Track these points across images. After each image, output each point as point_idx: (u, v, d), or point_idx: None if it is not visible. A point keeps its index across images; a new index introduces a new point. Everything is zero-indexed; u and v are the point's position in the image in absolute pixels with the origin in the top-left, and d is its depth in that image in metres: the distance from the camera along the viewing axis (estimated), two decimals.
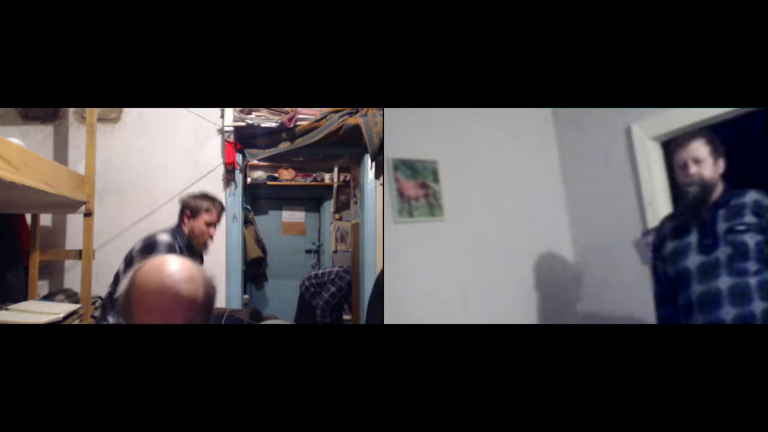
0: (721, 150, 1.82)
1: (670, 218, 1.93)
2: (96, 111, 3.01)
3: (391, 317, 1.97)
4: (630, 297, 2.45)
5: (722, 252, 1.71)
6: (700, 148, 1.79)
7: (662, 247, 1.87)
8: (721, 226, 1.73)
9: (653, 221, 2.36)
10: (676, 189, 1.90)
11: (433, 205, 2.52)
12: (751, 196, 1.74)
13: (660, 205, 2.50)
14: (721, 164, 1.82)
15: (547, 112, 2.98)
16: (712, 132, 1.88)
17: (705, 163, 1.78)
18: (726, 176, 1.83)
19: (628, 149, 2.62)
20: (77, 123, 3.24)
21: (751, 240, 1.69)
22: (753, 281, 1.67)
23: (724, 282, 1.69)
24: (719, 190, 1.81)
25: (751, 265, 1.68)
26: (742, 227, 1.70)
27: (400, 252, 2.32)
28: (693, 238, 1.78)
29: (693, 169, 1.79)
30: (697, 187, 1.78)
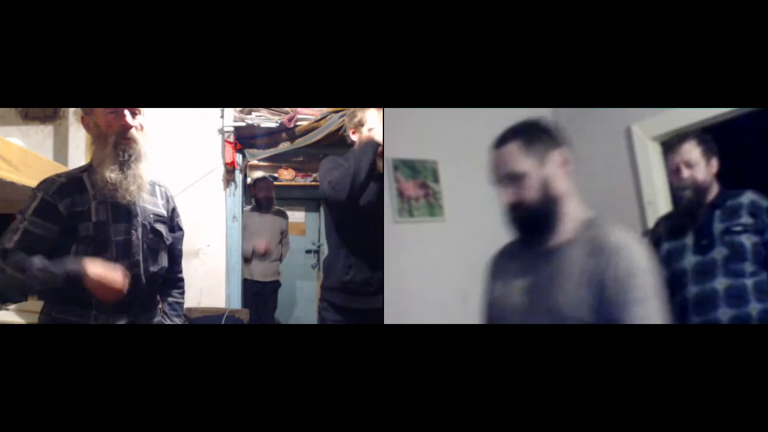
0: (714, 150, 1.80)
1: (665, 219, 1.93)
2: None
3: (391, 317, 1.97)
4: None
5: (718, 253, 1.70)
6: (691, 151, 1.77)
7: (658, 248, 1.86)
8: (717, 226, 1.72)
9: (653, 221, 2.36)
10: (673, 192, 1.88)
11: (433, 205, 2.52)
12: (748, 197, 1.73)
13: (660, 205, 2.50)
14: (715, 164, 1.80)
15: (547, 112, 2.98)
16: (703, 132, 1.86)
17: (697, 166, 1.77)
18: (721, 175, 1.82)
19: (628, 149, 2.62)
20: (77, 123, 3.23)
21: (747, 241, 1.68)
22: (749, 282, 1.67)
23: (720, 283, 1.68)
24: (714, 190, 1.79)
25: (748, 266, 1.67)
26: (738, 228, 1.69)
27: (400, 252, 2.32)
28: (689, 239, 1.78)
29: (686, 173, 1.77)
30: (690, 191, 1.77)
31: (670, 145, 1.86)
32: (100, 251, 1.46)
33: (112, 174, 1.47)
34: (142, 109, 1.53)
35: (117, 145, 1.48)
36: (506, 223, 1.25)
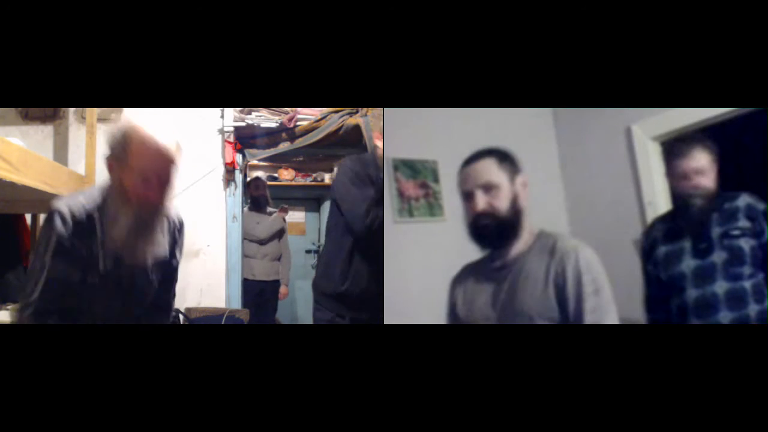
0: (717, 154, 1.79)
1: (660, 222, 1.90)
2: (96, 111, 3.01)
3: (390, 317, 1.97)
4: (630, 297, 2.45)
5: (718, 256, 1.70)
6: (702, 159, 1.73)
7: (653, 251, 1.84)
8: (715, 230, 1.72)
9: None
10: (676, 197, 1.85)
11: (433, 205, 2.52)
12: (744, 200, 1.73)
13: (660, 205, 2.50)
14: (716, 169, 1.79)
15: (547, 112, 2.98)
16: (705, 136, 1.84)
17: (708, 173, 1.74)
18: (720, 175, 1.81)
19: (628, 149, 2.62)
20: (77, 123, 3.24)
21: (746, 245, 1.68)
22: (748, 284, 1.68)
23: (720, 286, 1.69)
24: (714, 187, 1.78)
25: (746, 269, 1.68)
26: (736, 232, 1.70)
27: (400, 252, 2.32)
28: (687, 242, 1.77)
29: (696, 181, 1.74)
30: (700, 199, 1.74)
31: (673, 148, 1.82)
32: (98, 297, 1.39)
33: (127, 238, 1.36)
34: (173, 180, 1.37)
35: (138, 212, 1.35)
36: (471, 234, 1.38)
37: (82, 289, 1.37)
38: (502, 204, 1.33)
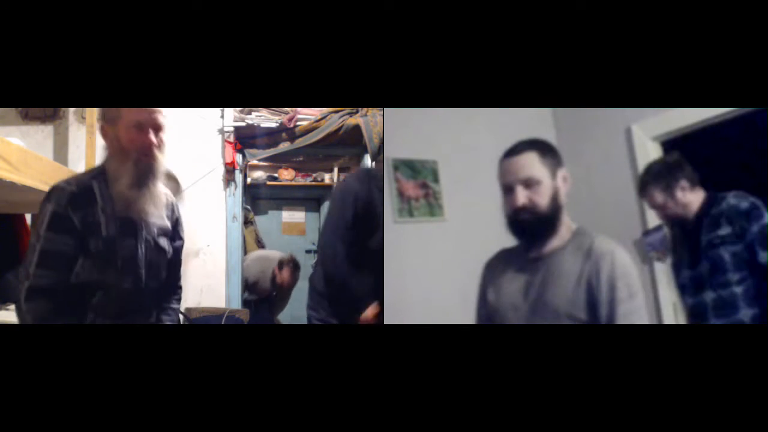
0: (696, 179, 1.79)
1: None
2: (96, 111, 3.00)
3: (390, 317, 1.97)
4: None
5: (703, 267, 1.73)
6: (686, 193, 1.75)
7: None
8: (703, 239, 1.74)
9: (653, 221, 2.36)
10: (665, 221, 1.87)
11: (433, 205, 2.52)
12: (727, 202, 1.74)
13: None
14: (699, 191, 1.80)
15: (547, 112, 2.97)
16: (684, 163, 1.83)
17: (691, 204, 1.77)
18: (719, 176, 1.82)
19: (628, 149, 2.62)
20: (77, 123, 3.24)
21: (725, 253, 1.70)
22: (738, 290, 1.70)
23: (708, 296, 1.72)
24: (698, 203, 1.79)
25: (732, 276, 1.70)
26: (717, 241, 1.72)
27: (400, 252, 2.32)
28: (685, 252, 1.79)
29: (678, 210, 1.76)
30: (680, 228, 1.76)
31: (656, 186, 1.80)
32: (106, 267, 1.43)
33: (131, 192, 1.44)
34: (164, 126, 1.49)
35: (138, 163, 1.44)
36: (510, 226, 1.36)
37: (87, 261, 1.41)
38: (543, 200, 1.31)
